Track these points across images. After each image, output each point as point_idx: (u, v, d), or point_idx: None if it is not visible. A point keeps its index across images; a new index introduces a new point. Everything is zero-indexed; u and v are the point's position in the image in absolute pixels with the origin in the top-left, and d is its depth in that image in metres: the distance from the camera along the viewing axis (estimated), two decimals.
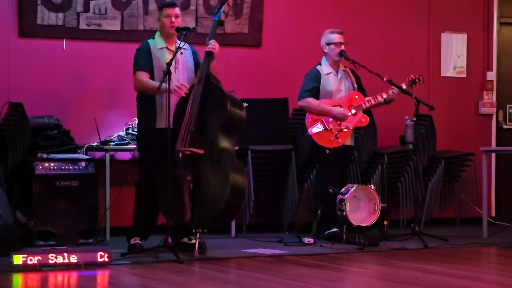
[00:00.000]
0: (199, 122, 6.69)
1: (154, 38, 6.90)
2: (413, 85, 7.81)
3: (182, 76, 6.82)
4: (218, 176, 6.61)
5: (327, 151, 7.66)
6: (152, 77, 6.77)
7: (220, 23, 6.98)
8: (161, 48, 6.83)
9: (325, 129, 7.70)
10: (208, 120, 6.71)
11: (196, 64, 6.97)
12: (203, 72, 6.77)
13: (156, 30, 7.01)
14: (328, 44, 7.82)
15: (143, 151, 6.91)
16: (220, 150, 6.68)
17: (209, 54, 6.84)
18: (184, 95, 6.65)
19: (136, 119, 7.05)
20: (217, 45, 6.88)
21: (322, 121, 7.70)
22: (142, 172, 6.93)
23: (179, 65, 6.85)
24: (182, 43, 6.73)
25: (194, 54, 7.00)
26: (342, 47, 7.77)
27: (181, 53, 6.87)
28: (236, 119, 6.82)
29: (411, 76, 7.83)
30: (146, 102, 6.80)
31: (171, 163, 6.53)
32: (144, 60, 6.78)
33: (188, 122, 6.66)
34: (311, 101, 7.73)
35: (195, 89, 6.75)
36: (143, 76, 6.75)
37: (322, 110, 7.71)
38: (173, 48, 6.85)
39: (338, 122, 7.72)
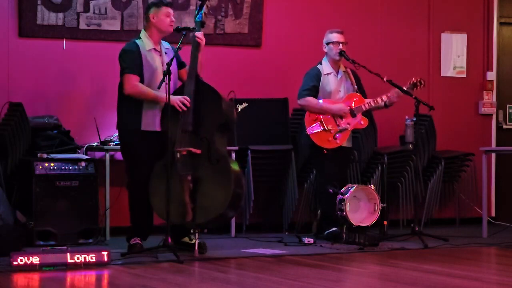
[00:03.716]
0: (195, 122, 6.69)
1: (140, 38, 6.84)
2: (414, 88, 7.80)
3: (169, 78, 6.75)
4: (219, 174, 6.63)
5: (325, 151, 7.66)
6: (141, 80, 6.74)
7: (202, 24, 6.95)
8: (149, 50, 6.80)
9: (324, 129, 7.69)
10: (203, 120, 6.71)
11: (179, 63, 6.95)
12: (194, 67, 6.75)
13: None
14: (327, 43, 7.83)
15: (131, 153, 6.83)
16: (218, 150, 6.69)
17: (196, 45, 6.81)
18: (185, 109, 6.65)
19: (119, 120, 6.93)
20: (203, 38, 6.84)
21: (321, 121, 7.70)
22: (133, 174, 6.85)
23: (165, 66, 6.82)
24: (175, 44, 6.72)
25: (177, 54, 6.94)
26: (341, 46, 7.77)
27: (165, 53, 6.87)
28: (230, 119, 6.88)
29: (413, 79, 7.81)
30: (131, 103, 6.73)
31: (167, 164, 6.55)
32: (134, 63, 6.71)
33: (184, 121, 6.66)
34: (310, 100, 7.73)
35: (186, 88, 6.74)
36: (136, 80, 6.69)
37: (322, 109, 7.71)
38: (158, 48, 6.84)
39: (337, 123, 7.72)
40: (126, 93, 6.72)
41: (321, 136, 7.70)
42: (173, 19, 6.86)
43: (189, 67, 6.82)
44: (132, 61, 6.72)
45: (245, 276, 5.99)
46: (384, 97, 7.78)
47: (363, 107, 7.78)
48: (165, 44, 6.94)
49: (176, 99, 6.64)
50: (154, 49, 6.82)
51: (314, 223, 8.14)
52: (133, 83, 6.70)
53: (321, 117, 7.71)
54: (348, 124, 7.75)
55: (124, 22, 8.09)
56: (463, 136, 9.43)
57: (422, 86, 7.82)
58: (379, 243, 7.37)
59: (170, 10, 6.85)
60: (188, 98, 6.68)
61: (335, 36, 7.80)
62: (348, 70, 7.92)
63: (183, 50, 6.77)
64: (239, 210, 7.16)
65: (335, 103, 7.75)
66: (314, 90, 7.76)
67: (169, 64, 6.56)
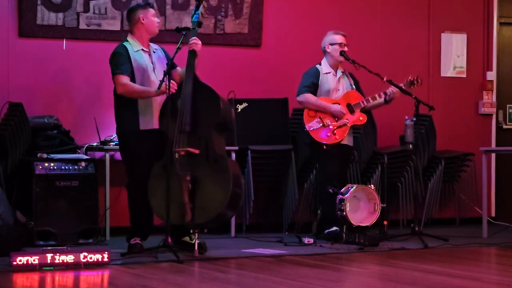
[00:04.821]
0: (192, 122, 6.70)
1: (127, 41, 6.87)
2: (411, 86, 7.82)
3: (161, 76, 6.76)
4: (218, 174, 6.63)
5: (324, 147, 7.66)
6: (132, 81, 6.74)
7: (199, 24, 6.98)
8: (137, 51, 6.82)
9: (323, 125, 7.70)
10: (201, 120, 6.72)
11: (171, 64, 6.94)
12: (191, 72, 6.77)
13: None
14: (331, 44, 7.83)
15: (132, 153, 6.83)
16: (216, 150, 6.70)
17: (193, 53, 6.83)
18: (173, 91, 6.66)
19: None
20: (199, 42, 6.86)
21: (320, 117, 7.71)
22: (133, 174, 6.86)
23: (157, 65, 6.85)
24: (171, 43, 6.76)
25: (165, 52, 7.01)
26: (346, 48, 7.80)
27: (154, 52, 6.92)
28: (228, 119, 6.89)
29: (409, 77, 7.84)
30: (127, 104, 6.75)
31: (166, 164, 6.55)
32: (125, 64, 6.73)
33: (182, 122, 6.67)
34: (309, 96, 7.74)
35: (184, 88, 6.75)
36: (125, 79, 6.70)
37: (320, 106, 7.72)
38: (147, 49, 6.88)
39: (336, 119, 7.73)
40: (118, 93, 6.75)
41: (320, 131, 7.70)
42: (158, 19, 6.97)
43: (186, 68, 6.82)
44: (121, 62, 6.74)
45: (245, 276, 5.99)
46: (382, 94, 7.79)
47: (361, 103, 7.80)
48: (154, 45, 6.99)
49: (164, 87, 6.62)
50: (143, 49, 6.85)
51: (314, 223, 8.15)
52: (123, 82, 6.70)
53: (320, 113, 7.72)
54: (347, 120, 7.76)
55: (124, 22, 8.07)
56: (463, 136, 9.43)
57: (418, 84, 7.85)
58: (379, 243, 7.37)
59: (154, 11, 6.96)
60: (174, 83, 6.68)
61: (340, 38, 7.82)
62: (347, 72, 7.94)
63: (182, 50, 6.77)
64: (238, 209, 7.16)
65: (334, 101, 7.76)
66: (313, 87, 7.76)
67: (168, 64, 6.58)
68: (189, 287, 5.59)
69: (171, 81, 6.66)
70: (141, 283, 5.59)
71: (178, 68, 6.98)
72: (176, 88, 6.66)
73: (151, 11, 6.92)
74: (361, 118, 7.83)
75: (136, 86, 6.72)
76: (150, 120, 6.77)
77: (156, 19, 6.93)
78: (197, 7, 6.99)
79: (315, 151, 7.83)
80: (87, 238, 7.32)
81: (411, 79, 7.83)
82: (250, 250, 7.04)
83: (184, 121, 6.67)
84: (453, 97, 9.47)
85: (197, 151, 6.65)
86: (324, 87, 7.80)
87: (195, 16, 6.96)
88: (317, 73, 7.81)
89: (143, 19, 6.86)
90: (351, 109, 7.78)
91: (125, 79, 6.71)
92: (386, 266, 6.43)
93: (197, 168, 6.65)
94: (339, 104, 7.77)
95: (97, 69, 7.99)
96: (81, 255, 6.03)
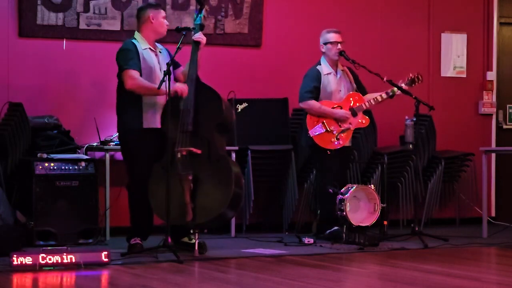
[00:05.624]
0: (194, 122, 6.71)
1: (135, 38, 6.88)
2: (413, 84, 7.82)
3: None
4: (219, 174, 6.64)
5: (328, 152, 7.65)
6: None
7: (201, 27, 6.99)
8: (145, 49, 6.84)
9: (326, 130, 7.70)
10: (203, 120, 6.73)
11: (174, 64, 6.93)
12: (194, 69, 6.78)
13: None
14: (325, 43, 7.83)
15: (132, 152, 6.83)
16: (218, 150, 6.71)
17: (197, 44, 6.84)
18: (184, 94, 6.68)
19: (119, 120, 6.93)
20: (204, 37, 6.89)
21: (323, 123, 7.70)
22: (134, 173, 6.86)
23: (163, 66, 6.84)
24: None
25: (169, 53, 7.02)
26: (339, 46, 7.78)
27: (160, 51, 6.93)
28: (229, 120, 6.92)
29: (410, 75, 7.84)
30: (131, 102, 6.75)
31: (166, 163, 6.55)
32: (134, 59, 6.73)
33: (184, 122, 6.67)
34: (312, 103, 7.72)
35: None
36: (136, 74, 6.69)
37: (324, 113, 7.71)
38: (154, 48, 6.90)
39: (339, 124, 7.73)
40: (127, 88, 6.70)
41: (323, 137, 7.70)
42: (167, 22, 6.98)
43: (189, 69, 6.83)
44: (130, 57, 6.74)
45: (245, 276, 5.99)
46: (384, 95, 7.79)
47: (364, 106, 7.79)
48: (159, 46, 7.01)
49: (177, 87, 6.65)
50: (150, 48, 6.85)
51: (314, 223, 8.15)
52: (134, 77, 6.68)
53: (323, 118, 7.71)
54: (350, 124, 7.76)
55: (124, 22, 8.09)
56: (463, 136, 9.43)
57: (420, 81, 7.84)
58: (379, 243, 7.37)
59: (164, 13, 6.98)
60: (183, 86, 6.70)
61: (333, 36, 7.81)
62: (345, 68, 7.93)
63: (182, 50, 6.77)
64: (239, 210, 7.16)
65: (336, 104, 7.75)
66: (315, 91, 7.75)
67: (169, 64, 6.59)
68: (189, 287, 5.60)
69: (181, 84, 6.68)
70: (141, 283, 5.60)
71: (181, 68, 6.98)
72: (186, 92, 6.66)
73: (162, 12, 6.94)
74: (363, 121, 7.83)
75: (148, 83, 6.71)
76: (153, 119, 6.77)
77: (166, 21, 6.94)
78: (199, 10, 6.99)
79: (316, 152, 7.82)
80: (87, 238, 7.32)
81: (412, 76, 7.82)
82: (250, 250, 7.04)
83: (186, 121, 6.68)
84: (453, 97, 9.47)
85: (199, 151, 6.66)
86: (326, 89, 7.78)
87: (197, 19, 6.96)
88: (318, 76, 7.79)
89: (153, 19, 6.88)
90: (353, 112, 7.77)
91: (135, 73, 6.70)
92: (386, 266, 6.44)
93: (199, 168, 6.66)
94: (342, 107, 7.77)
95: (97, 69, 8.00)
96: (81, 255, 6.03)
